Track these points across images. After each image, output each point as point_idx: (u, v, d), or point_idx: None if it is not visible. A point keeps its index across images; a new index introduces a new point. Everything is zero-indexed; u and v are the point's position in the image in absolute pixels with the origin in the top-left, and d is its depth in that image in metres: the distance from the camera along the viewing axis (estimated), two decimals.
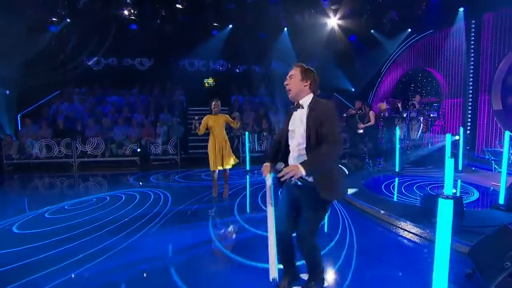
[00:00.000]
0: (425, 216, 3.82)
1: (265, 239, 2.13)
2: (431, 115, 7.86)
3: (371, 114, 7.20)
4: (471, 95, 7.74)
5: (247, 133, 10.17)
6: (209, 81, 14.27)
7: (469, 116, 7.75)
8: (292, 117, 2.18)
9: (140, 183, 6.58)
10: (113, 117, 10.76)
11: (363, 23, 9.66)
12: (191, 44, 12.91)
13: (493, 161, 6.51)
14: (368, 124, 7.19)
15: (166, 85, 13.08)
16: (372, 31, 10.04)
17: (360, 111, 8.32)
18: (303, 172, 1.88)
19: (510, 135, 4.34)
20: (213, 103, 5.06)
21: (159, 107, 11.67)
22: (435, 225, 2.03)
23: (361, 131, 6.95)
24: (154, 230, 3.79)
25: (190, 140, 10.76)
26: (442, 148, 7.79)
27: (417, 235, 3.65)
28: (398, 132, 6.41)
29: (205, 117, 5.14)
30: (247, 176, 7.27)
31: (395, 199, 4.91)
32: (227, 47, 13.41)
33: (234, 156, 5.12)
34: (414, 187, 5.48)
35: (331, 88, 12.26)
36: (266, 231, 2.09)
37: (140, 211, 4.51)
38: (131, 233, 3.64)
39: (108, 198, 5.28)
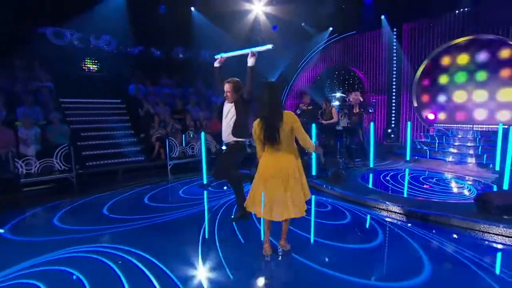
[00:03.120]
0: (488, 212, 3.72)
1: None
2: (370, 110, 8.49)
3: (334, 111, 6.88)
4: (394, 93, 8.91)
5: (186, 134, 7.93)
6: (91, 63, 10.26)
7: (393, 111, 8.91)
8: None
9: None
10: None
11: (291, 14, 9.28)
12: (58, 4, 8.73)
13: (427, 150, 7.65)
14: (332, 121, 6.85)
15: (15, 63, 8.33)
16: (303, 24, 9.88)
17: (311, 106, 7.95)
18: None
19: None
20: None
21: (13, 97, 7.25)
22: None
23: (340, 127, 6.50)
24: None
25: (82, 146, 7.23)
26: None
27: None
28: (372, 127, 6.36)
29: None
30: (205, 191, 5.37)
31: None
32: (117, 20, 10.04)
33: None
34: (409, 179, 5.54)
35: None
36: None
37: None
38: None
39: None
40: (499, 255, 3.15)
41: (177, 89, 10.87)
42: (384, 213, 4.18)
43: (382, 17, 8.60)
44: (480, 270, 2.68)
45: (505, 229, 3.46)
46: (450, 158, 7.26)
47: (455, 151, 7.32)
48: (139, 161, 7.52)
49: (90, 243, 3.24)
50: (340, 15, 8.97)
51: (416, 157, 7.44)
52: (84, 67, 10.12)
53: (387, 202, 4.31)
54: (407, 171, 6.38)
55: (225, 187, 5.47)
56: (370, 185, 5.38)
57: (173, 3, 10.57)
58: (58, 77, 8.76)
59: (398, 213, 4.11)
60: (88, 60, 10.26)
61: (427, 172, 6.25)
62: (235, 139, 3.57)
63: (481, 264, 2.78)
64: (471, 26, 7.35)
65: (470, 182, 5.54)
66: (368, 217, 4.07)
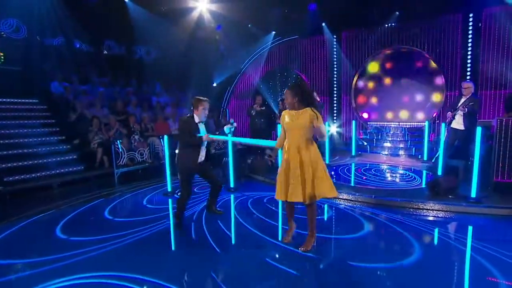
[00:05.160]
0: (438, 193, 4.48)
1: None
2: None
3: None
4: (335, 95, 9.75)
5: (132, 139, 7.04)
6: None
7: (335, 111, 9.75)
8: None
9: None
10: None
11: (237, 13, 9.23)
12: None
13: (368, 145, 8.61)
14: None
15: None
16: (249, 25, 9.90)
17: (263, 107, 8.10)
18: None
19: None
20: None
21: None
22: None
23: None
24: None
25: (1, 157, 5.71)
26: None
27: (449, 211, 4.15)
28: (328, 126, 6.82)
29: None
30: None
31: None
32: (29, 2, 8.37)
33: (327, 184, 2.90)
34: (363, 171, 6.15)
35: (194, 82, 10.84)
36: None
37: None
38: None
39: None
40: (450, 225, 3.87)
41: (113, 88, 9.63)
42: (353, 204, 4.56)
43: (323, 24, 9.36)
44: (444, 237, 3.36)
45: (451, 206, 4.21)
46: (386, 152, 8.38)
47: (389, 145, 8.49)
48: (77, 171, 6.36)
49: (61, 276, 2.58)
50: (284, 19, 9.38)
51: (359, 152, 8.33)
52: None
53: (356, 194, 4.72)
54: (353, 165, 7.09)
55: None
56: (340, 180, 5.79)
57: None
58: None
59: (365, 202, 4.54)
60: None
61: (378, 165, 7.08)
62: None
63: (441, 233, 3.48)
64: (396, 38, 8.66)
65: (410, 171, 6.47)
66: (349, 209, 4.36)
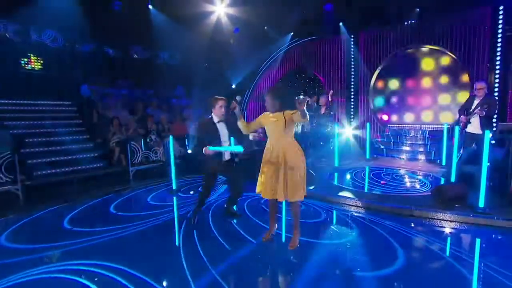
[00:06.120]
0: (443, 202, 4.19)
1: None
2: (331, 112, 8.88)
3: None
4: (352, 96, 9.48)
5: (148, 138, 7.48)
6: (32, 60, 9.13)
7: (352, 113, 9.48)
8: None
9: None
10: None
11: (254, 16, 9.35)
12: None
13: (384, 149, 8.26)
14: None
15: None
16: (265, 27, 10.01)
17: None
18: None
19: None
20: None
21: None
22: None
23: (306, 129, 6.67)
24: None
25: (27, 154, 6.40)
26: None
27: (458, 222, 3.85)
28: (336, 127, 6.68)
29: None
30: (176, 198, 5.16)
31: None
32: (63, 14, 9.18)
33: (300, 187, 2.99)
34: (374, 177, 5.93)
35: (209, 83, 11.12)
36: None
37: None
38: None
39: None
40: (452, 237, 3.58)
41: (135, 90, 10.26)
42: (354, 209, 4.42)
43: (340, 24, 9.14)
44: (442, 252, 3.10)
45: (457, 216, 3.92)
46: (404, 156, 7.97)
47: (408, 149, 8.05)
48: (97, 168, 6.90)
49: (54, 262, 2.88)
50: (301, 20, 9.30)
51: (375, 155, 8.01)
52: (23, 65, 8.98)
53: (356, 198, 4.58)
54: (367, 169, 6.82)
55: (191, 192, 5.32)
56: (346, 184, 5.65)
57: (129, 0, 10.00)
58: None
59: (369, 208, 4.37)
60: (33, 57, 9.15)
61: (392, 170, 6.75)
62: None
63: (441, 247, 3.21)
64: (417, 37, 8.18)
65: (423, 177, 6.12)
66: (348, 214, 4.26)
